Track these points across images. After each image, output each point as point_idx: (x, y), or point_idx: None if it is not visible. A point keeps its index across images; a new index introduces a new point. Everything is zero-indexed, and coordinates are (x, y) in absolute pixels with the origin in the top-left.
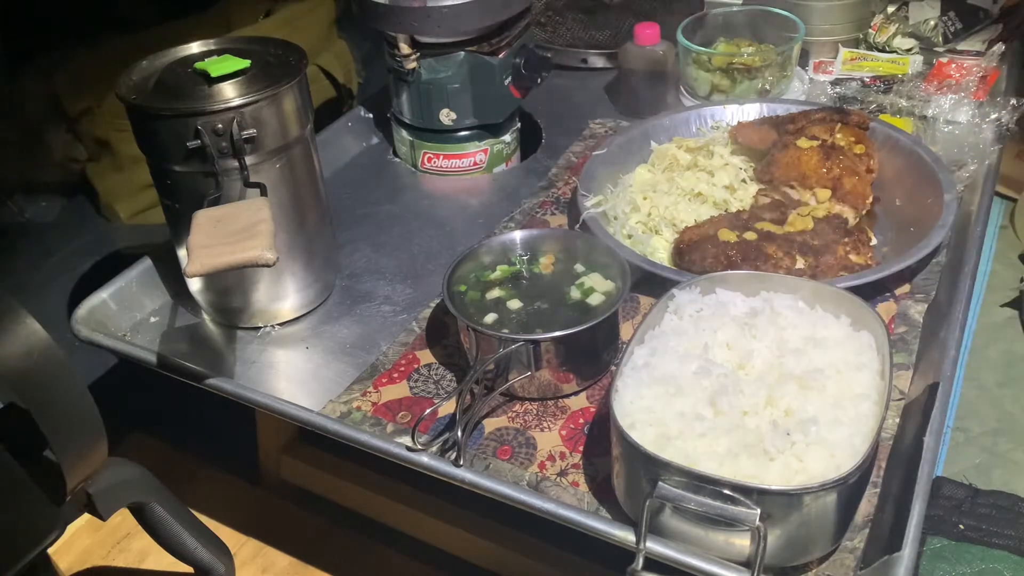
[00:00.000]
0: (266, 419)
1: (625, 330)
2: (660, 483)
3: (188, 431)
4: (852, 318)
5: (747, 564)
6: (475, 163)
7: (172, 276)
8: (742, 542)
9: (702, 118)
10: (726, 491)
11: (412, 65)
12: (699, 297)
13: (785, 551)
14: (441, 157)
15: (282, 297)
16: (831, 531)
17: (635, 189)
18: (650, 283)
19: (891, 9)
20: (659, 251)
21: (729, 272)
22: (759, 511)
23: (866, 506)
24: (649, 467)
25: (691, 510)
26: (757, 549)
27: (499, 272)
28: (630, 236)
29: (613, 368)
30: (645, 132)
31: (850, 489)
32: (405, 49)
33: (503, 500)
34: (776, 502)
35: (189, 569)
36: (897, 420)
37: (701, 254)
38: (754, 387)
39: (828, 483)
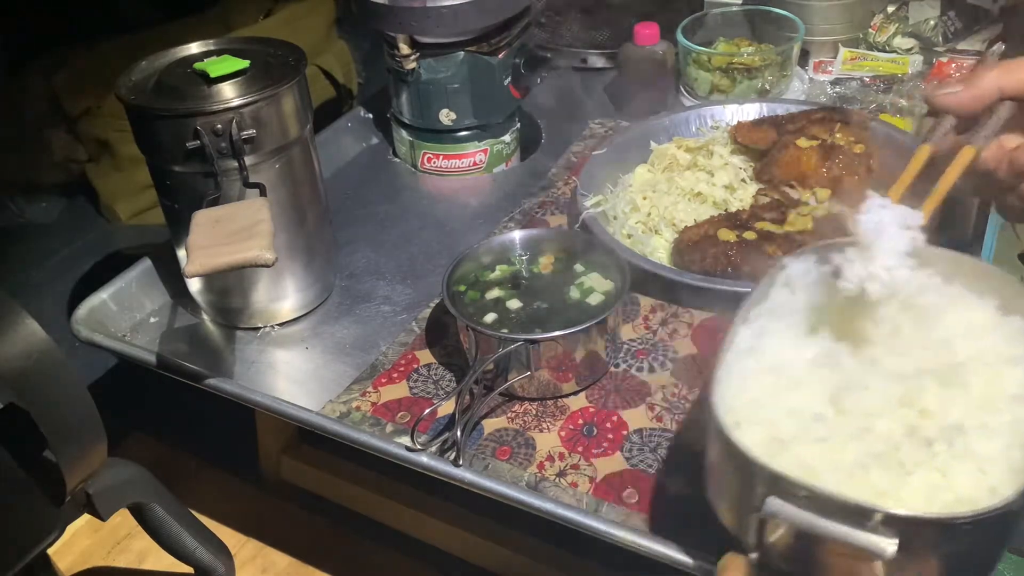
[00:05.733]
0: (266, 419)
1: (625, 330)
2: (771, 498)
3: (188, 431)
4: (1000, 299)
5: None
6: (475, 163)
7: (172, 276)
8: (868, 571)
9: (702, 118)
10: (855, 514)
11: (412, 65)
12: (815, 267)
13: None
14: (441, 157)
15: (282, 297)
16: (983, 566)
17: (635, 189)
18: (650, 283)
19: (891, 9)
20: (659, 251)
21: (848, 239)
22: (896, 541)
23: None
24: (757, 478)
25: (809, 533)
26: None
27: (499, 272)
28: (630, 236)
29: (613, 368)
30: (645, 132)
31: (1011, 517)
32: (405, 49)
33: (502, 500)
34: (921, 531)
35: (189, 569)
36: None
37: (701, 254)
38: (883, 381)
39: (992, 510)
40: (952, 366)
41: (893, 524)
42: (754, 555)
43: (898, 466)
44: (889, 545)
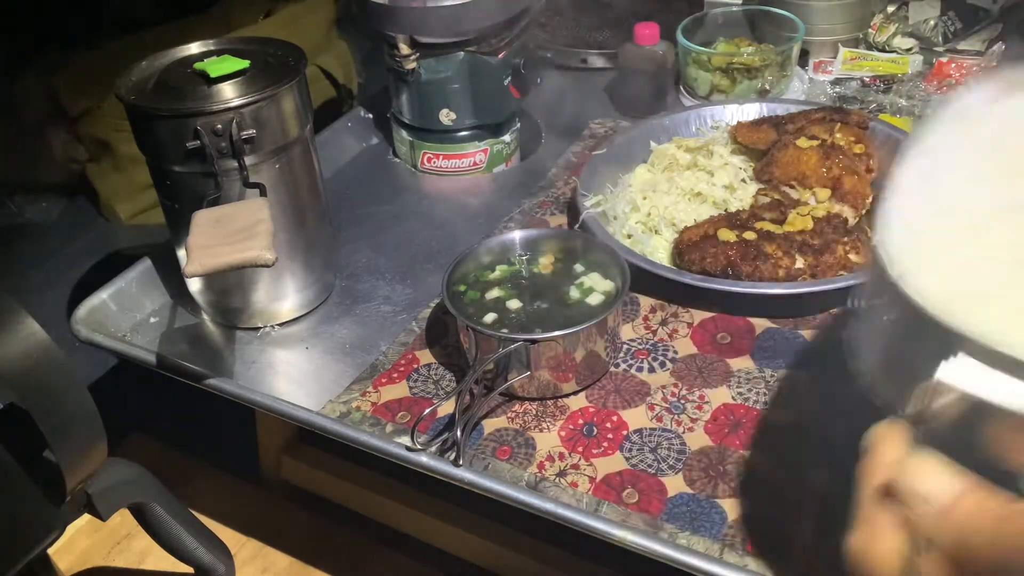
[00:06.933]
0: (266, 419)
1: (625, 330)
2: (945, 363)
3: (188, 431)
4: None
5: None
6: (475, 163)
7: (172, 276)
8: None
9: (702, 118)
10: None
11: (412, 65)
12: (997, 99)
13: None
14: (441, 157)
15: (282, 297)
16: None
17: (635, 189)
18: (650, 283)
19: (891, 9)
20: (659, 251)
21: None
22: None
23: None
24: (932, 338)
25: (991, 407)
26: None
27: (499, 272)
28: (630, 236)
29: (613, 368)
30: (645, 132)
31: None
32: (405, 49)
33: (503, 500)
34: None
35: (189, 569)
36: None
37: (701, 254)
38: None
39: None
40: None
41: None
42: (917, 426)
43: None
44: None
